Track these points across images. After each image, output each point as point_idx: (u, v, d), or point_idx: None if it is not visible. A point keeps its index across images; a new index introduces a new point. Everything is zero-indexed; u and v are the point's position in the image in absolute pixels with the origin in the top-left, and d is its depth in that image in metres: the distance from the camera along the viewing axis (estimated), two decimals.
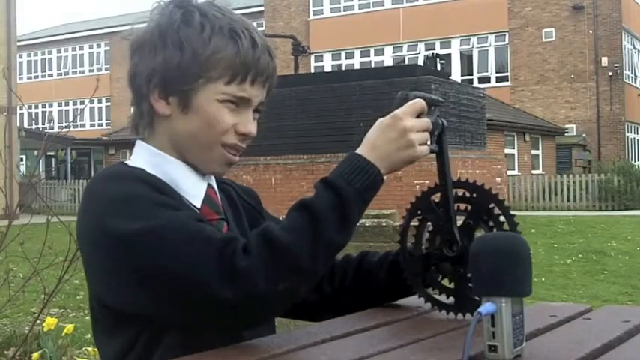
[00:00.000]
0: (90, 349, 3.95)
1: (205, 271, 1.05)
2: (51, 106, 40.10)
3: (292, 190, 15.02)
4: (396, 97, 1.21)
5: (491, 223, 1.22)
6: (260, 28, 30.17)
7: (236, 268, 1.05)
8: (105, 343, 1.24)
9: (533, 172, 24.55)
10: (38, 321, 4.06)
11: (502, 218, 1.20)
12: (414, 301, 1.33)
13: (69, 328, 3.95)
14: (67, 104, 39.56)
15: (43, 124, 37.42)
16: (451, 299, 1.26)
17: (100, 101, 38.21)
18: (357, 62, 30.22)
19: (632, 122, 27.84)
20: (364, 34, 29.82)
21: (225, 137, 1.24)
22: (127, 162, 1.27)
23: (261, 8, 32.14)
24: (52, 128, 31.29)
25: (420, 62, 23.84)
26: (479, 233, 1.22)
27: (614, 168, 21.52)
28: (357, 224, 1.16)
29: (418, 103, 1.19)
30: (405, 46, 30.10)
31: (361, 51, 30.71)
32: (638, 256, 10.52)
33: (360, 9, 30.97)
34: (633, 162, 25.57)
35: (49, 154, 21.99)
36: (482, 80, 27.74)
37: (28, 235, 3.54)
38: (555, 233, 13.46)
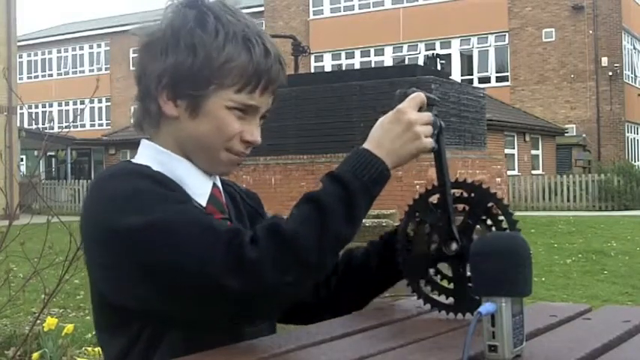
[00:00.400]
0: (90, 348, 3.94)
1: (213, 262, 1.04)
2: (51, 106, 40.09)
3: (292, 190, 15.00)
4: (395, 95, 1.22)
5: (489, 222, 1.22)
6: None
7: (244, 258, 1.04)
8: (107, 341, 1.24)
9: (533, 172, 24.55)
10: (38, 321, 4.06)
11: (501, 217, 1.20)
12: (414, 301, 1.33)
13: (69, 328, 3.95)
14: (67, 104, 39.56)
15: (43, 124, 37.42)
16: (450, 300, 1.26)
17: (100, 101, 38.21)
18: (357, 62, 30.22)
19: (632, 122, 27.84)
20: (364, 34, 29.82)
21: (231, 143, 1.24)
22: (132, 160, 1.27)
23: (261, 8, 32.13)
24: (52, 128, 31.30)
25: (420, 62, 23.86)
26: (475, 235, 1.23)
27: (614, 168, 21.52)
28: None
29: (418, 96, 1.21)
30: (405, 46, 30.10)
31: (361, 51, 30.71)
32: (638, 256, 10.51)
33: (360, 9, 30.97)
34: (633, 162, 25.57)
35: (49, 154, 21.98)
36: (482, 80, 27.74)
37: (29, 235, 3.54)
38: (555, 233, 13.46)
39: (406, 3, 30.04)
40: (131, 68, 29.49)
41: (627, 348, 1.09)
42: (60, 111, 39.61)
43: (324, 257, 1.10)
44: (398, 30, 29.85)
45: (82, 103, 36.91)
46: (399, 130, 1.17)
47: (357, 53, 30.81)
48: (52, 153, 20.69)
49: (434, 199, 1.27)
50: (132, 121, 1.34)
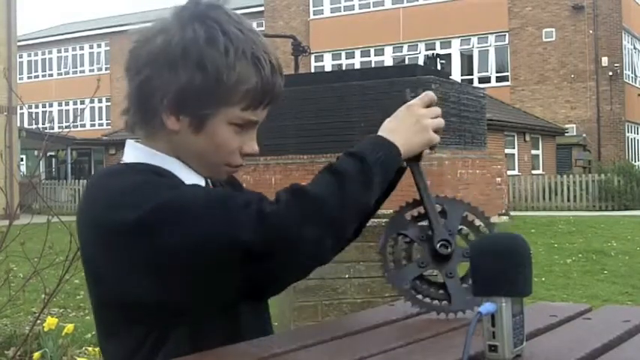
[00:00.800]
0: (90, 348, 3.95)
1: (234, 221, 1.07)
2: (51, 106, 40.10)
3: None
4: (406, 92, 1.30)
5: (465, 230, 1.26)
6: (260, 28, 30.13)
7: (264, 211, 1.08)
8: (110, 345, 1.23)
9: (534, 172, 24.55)
10: (38, 321, 4.06)
11: (478, 222, 1.23)
12: None
13: (69, 328, 3.95)
14: (67, 104, 39.56)
15: (43, 124, 37.43)
16: (445, 302, 1.27)
17: (100, 101, 38.21)
18: (357, 62, 30.23)
19: (632, 122, 27.84)
20: (364, 34, 29.82)
21: (231, 158, 1.25)
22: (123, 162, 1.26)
23: (261, 8, 32.14)
24: (52, 128, 31.30)
25: (420, 62, 23.86)
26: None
27: (614, 168, 21.53)
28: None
29: (427, 95, 1.28)
30: (405, 46, 30.10)
31: (361, 51, 30.72)
32: (638, 256, 10.51)
33: (360, 9, 30.98)
34: (633, 162, 25.58)
35: (49, 154, 21.99)
36: (482, 80, 27.75)
37: (29, 235, 3.54)
38: (555, 233, 13.46)
39: (406, 3, 30.04)
40: None
41: (627, 348, 1.09)
42: (60, 111, 39.61)
43: (344, 215, 1.14)
44: (398, 30, 29.85)
45: (82, 103, 36.91)
46: (410, 121, 1.25)
47: (357, 53, 30.82)
48: (52, 153, 20.71)
49: (410, 213, 1.31)
50: (121, 118, 1.32)
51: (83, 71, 39.55)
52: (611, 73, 26.63)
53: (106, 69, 38.11)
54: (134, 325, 1.17)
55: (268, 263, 1.08)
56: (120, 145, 28.53)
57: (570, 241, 12.23)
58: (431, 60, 20.51)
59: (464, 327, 1.15)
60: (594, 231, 13.61)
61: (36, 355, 3.65)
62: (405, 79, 14.67)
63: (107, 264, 1.15)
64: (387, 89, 14.55)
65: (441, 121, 1.28)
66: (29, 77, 41.37)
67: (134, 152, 1.26)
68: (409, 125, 1.24)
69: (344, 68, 28.30)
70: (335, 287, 3.98)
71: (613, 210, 19.91)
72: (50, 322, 3.84)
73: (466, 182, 14.99)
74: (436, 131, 1.27)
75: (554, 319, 1.25)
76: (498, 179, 16.76)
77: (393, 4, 30.34)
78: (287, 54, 20.96)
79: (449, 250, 1.25)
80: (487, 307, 0.95)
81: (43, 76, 41.39)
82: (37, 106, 39.14)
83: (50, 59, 41.37)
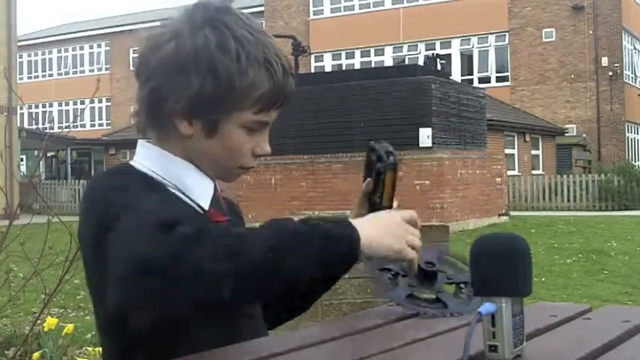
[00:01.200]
0: (90, 348, 3.95)
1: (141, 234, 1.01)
2: (51, 106, 40.08)
3: (292, 190, 15.00)
4: (372, 146, 1.29)
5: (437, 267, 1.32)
6: None
7: (172, 230, 1.00)
8: (111, 343, 1.24)
9: (534, 172, 24.54)
10: (38, 321, 4.06)
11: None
12: None
13: (69, 328, 3.95)
14: (67, 104, 39.54)
15: (43, 124, 37.41)
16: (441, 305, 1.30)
17: (100, 101, 38.20)
18: (357, 62, 30.22)
19: (632, 122, 27.84)
20: (364, 34, 29.81)
21: (244, 160, 1.25)
22: (131, 163, 1.26)
23: (262, 8, 32.12)
24: (52, 128, 31.30)
25: (421, 62, 23.84)
26: None
27: (614, 168, 21.53)
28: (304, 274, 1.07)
29: (410, 213, 1.19)
30: (405, 46, 30.10)
31: (361, 51, 30.71)
32: (638, 256, 10.51)
33: (360, 9, 30.97)
34: (633, 162, 25.57)
35: (49, 154, 21.99)
36: (482, 80, 27.74)
37: (29, 235, 3.54)
38: (555, 233, 13.46)
39: (406, 3, 30.04)
40: (131, 68, 29.47)
41: (627, 348, 1.09)
42: (60, 111, 39.59)
43: (213, 267, 0.98)
44: (398, 30, 29.85)
45: (82, 103, 36.88)
46: (387, 222, 1.14)
47: (357, 53, 30.81)
48: (53, 153, 20.72)
49: None
50: (132, 121, 1.33)
51: (83, 71, 39.54)
52: (611, 74, 26.62)
53: (106, 69, 38.11)
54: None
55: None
56: (120, 145, 28.54)
57: (570, 241, 12.23)
58: (431, 60, 20.48)
59: (464, 327, 1.15)
60: (594, 231, 13.61)
61: (36, 355, 3.64)
62: (405, 79, 14.67)
63: (97, 264, 1.16)
64: (387, 89, 14.55)
65: (418, 242, 1.16)
66: (29, 77, 41.35)
67: (145, 152, 1.26)
68: (385, 224, 1.13)
69: (344, 68, 28.31)
70: (335, 287, 3.98)
71: (613, 210, 19.91)
72: (50, 322, 3.84)
73: (466, 182, 14.99)
74: (411, 248, 1.15)
75: (554, 319, 1.25)
76: (498, 179, 16.75)
77: (393, 4, 30.34)
78: (287, 54, 20.91)
79: (434, 267, 1.31)
80: (487, 307, 0.95)
81: (43, 76, 41.38)
82: (37, 106, 39.13)
83: (50, 59, 41.36)
